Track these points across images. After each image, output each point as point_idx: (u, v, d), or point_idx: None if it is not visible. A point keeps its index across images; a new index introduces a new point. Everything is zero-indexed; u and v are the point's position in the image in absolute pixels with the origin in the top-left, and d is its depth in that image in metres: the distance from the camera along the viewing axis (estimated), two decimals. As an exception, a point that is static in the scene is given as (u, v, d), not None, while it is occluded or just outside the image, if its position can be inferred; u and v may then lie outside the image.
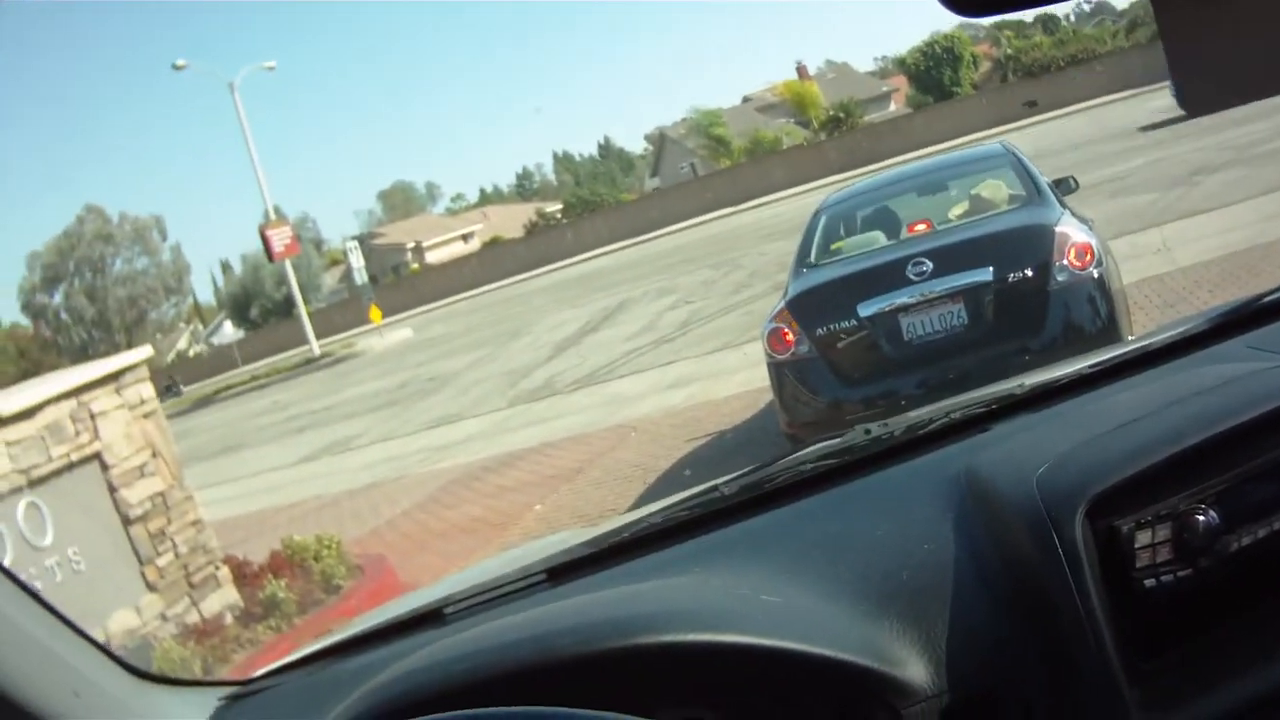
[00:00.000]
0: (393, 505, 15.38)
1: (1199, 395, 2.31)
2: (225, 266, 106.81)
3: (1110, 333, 9.50)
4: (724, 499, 2.76)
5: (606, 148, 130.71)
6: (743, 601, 2.20)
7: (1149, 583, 2.02)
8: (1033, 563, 2.06)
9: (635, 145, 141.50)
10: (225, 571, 10.38)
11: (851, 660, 2.00)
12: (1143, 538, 2.02)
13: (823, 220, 11.97)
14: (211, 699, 2.59)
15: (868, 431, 2.93)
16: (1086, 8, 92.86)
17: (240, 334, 78.88)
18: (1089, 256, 9.60)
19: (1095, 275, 9.58)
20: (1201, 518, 2.02)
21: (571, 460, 14.61)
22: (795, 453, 3.00)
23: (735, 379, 16.04)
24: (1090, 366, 2.93)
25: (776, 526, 2.57)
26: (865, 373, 9.89)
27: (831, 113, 76.37)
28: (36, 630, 2.11)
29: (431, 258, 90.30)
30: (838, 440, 2.97)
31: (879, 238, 11.21)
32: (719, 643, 2.00)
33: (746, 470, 2.92)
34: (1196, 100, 1.75)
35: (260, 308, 79.10)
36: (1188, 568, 2.02)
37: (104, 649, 2.29)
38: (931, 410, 2.97)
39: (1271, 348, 2.68)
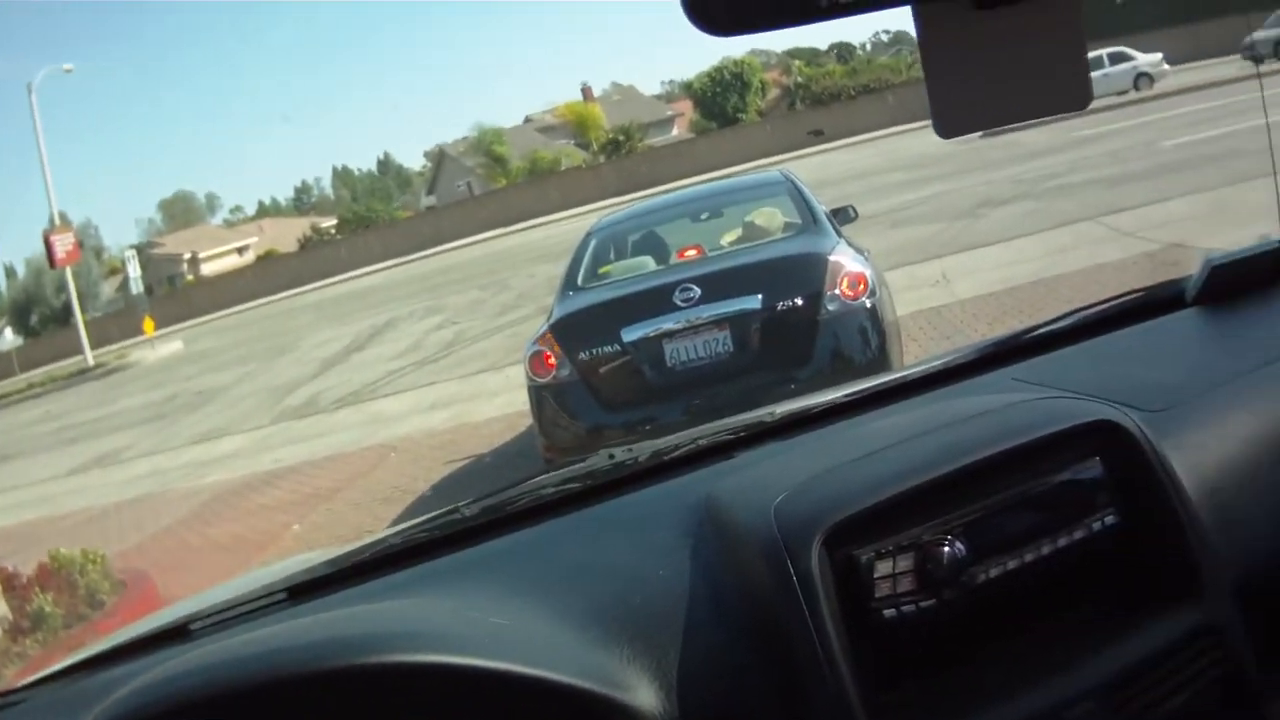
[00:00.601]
0: (157, 520, 15.21)
1: (951, 426, 2.40)
2: (9, 271, 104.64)
3: (880, 363, 9.52)
4: (464, 521, 2.79)
5: (386, 163, 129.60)
6: (470, 623, 2.21)
7: (889, 613, 2.08)
8: (768, 591, 2.09)
9: (415, 162, 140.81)
10: None
11: (578, 685, 2.02)
12: (883, 568, 2.08)
13: (593, 243, 11.99)
14: None
15: (611, 456, 2.97)
16: (885, 38, 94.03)
17: (19, 341, 77.30)
18: (862, 286, 9.63)
19: (867, 305, 9.62)
20: (946, 549, 2.09)
21: (331, 480, 14.62)
22: (538, 476, 3.02)
23: (497, 401, 16.08)
24: (845, 395, 2.99)
25: (514, 550, 2.59)
26: (627, 398, 9.84)
27: (612, 135, 76.92)
28: None
29: (207, 269, 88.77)
30: (581, 465, 3.02)
31: (648, 262, 11.26)
32: (443, 664, 2.00)
33: (488, 493, 2.95)
34: (949, 126, 1.83)
35: (40, 314, 77.21)
36: (930, 598, 2.09)
37: None
38: (679, 436, 2.98)
39: (1036, 380, 2.82)
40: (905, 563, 2.08)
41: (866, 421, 2.79)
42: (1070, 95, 1.83)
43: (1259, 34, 43.33)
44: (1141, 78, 46.96)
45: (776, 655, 2.06)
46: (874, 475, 2.20)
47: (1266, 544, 2.33)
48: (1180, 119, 30.56)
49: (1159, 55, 48.64)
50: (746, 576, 2.16)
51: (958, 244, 20.05)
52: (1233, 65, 39.13)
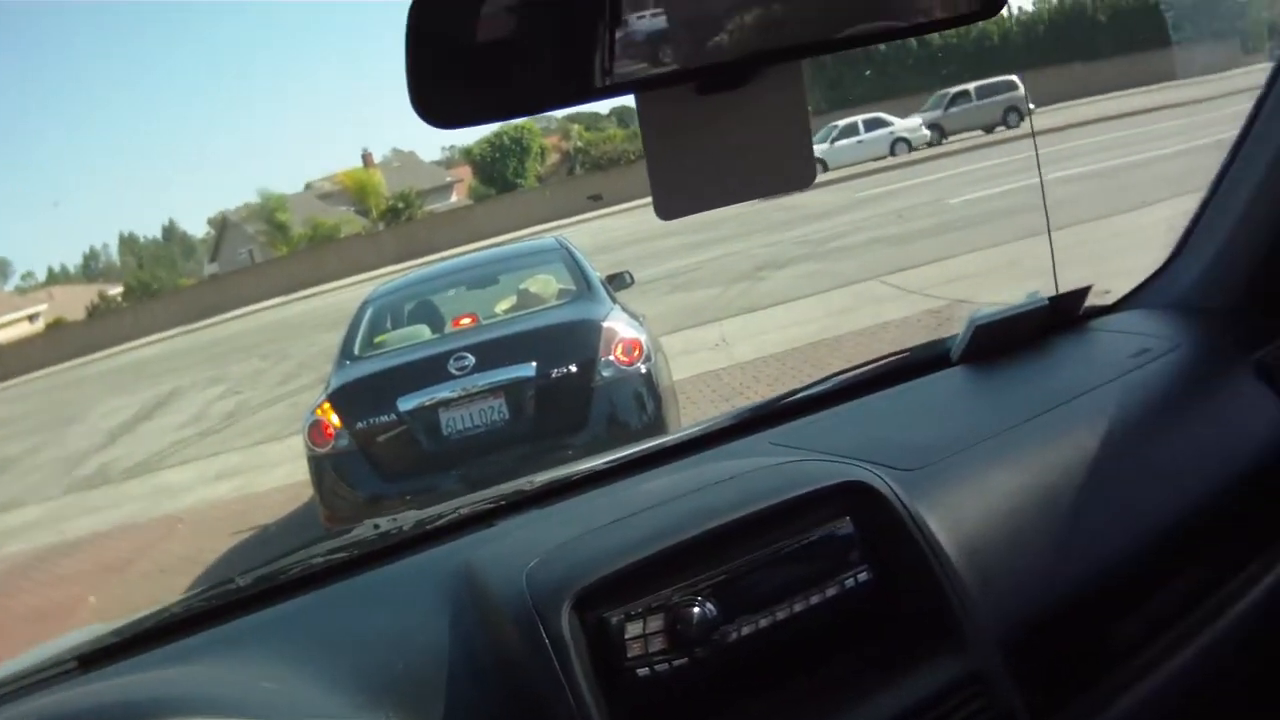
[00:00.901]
0: None
1: (701, 491, 2.47)
2: None
3: (656, 428, 9.62)
4: (239, 590, 2.77)
5: (170, 230, 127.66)
6: (240, 688, 2.21)
7: (642, 672, 2.15)
8: (523, 656, 2.14)
9: (200, 229, 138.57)
10: None
11: None
12: (634, 628, 2.15)
13: (369, 312, 12.04)
14: None
15: (376, 526, 3.00)
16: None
17: None
18: (636, 352, 9.88)
19: (643, 371, 9.87)
20: (696, 609, 2.16)
21: (123, 551, 14.47)
22: (307, 546, 3.00)
23: (279, 472, 16.05)
24: (606, 463, 3.03)
25: (284, 620, 2.58)
26: (405, 467, 9.90)
27: (391, 202, 76.60)
28: None
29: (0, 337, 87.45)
30: (347, 535, 3.05)
31: (423, 331, 11.43)
32: None
33: (263, 563, 2.93)
34: (669, 208, 1.90)
35: None
36: (683, 657, 2.16)
37: None
38: (442, 506, 3.00)
39: (793, 444, 2.89)
40: (656, 623, 2.17)
41: (624, 488, 2.86)
42: (794, 175, 1.96)
43: (928, 115, 44.91)
44: (899, 143, 47.65)
45: (534, 717, 2.12)
46: (623, 540, 2.29)
47: (1031, 595, 2.45)
48: (969, 176, 31.32)
49: (918, 120, 49.23)
50: (503, 641, 2.21)
51: (738, 307, 20.41)
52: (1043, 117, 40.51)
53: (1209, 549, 2.81)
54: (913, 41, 40.70)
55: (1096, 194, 21.43)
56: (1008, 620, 2.37)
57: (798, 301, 19.26)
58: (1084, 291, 3.49)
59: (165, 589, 11.53)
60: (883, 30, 1.85)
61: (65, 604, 12.70)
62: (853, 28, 1.80)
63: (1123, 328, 3.42)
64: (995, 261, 17.66)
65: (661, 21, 1.72)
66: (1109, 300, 3.61)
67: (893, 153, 47.05)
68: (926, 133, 49.01)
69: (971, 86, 49.31)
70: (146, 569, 13.31)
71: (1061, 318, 3.42)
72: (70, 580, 13.98)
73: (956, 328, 3.44)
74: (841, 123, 48.37)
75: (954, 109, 49.66)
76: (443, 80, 1.72)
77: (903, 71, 63.50)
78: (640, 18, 1.72)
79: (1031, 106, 49.33)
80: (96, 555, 15.06)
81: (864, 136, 47.50)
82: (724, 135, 1.89)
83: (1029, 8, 70.91)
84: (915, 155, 45.42)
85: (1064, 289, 3.48)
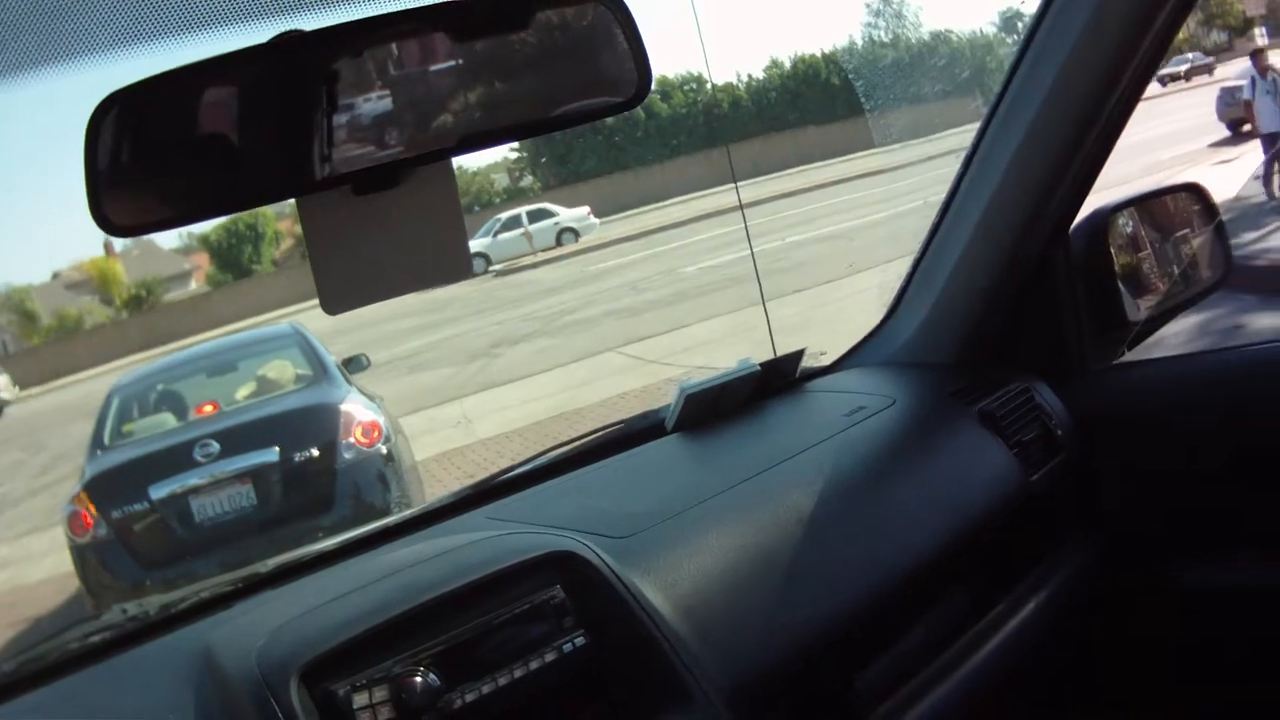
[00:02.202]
0: None
1: (416, 566, 2.50)
2: None
3: (401, 506, 9.74)
4: (4, 677, 2.69)
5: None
6: None
7: None
8: None
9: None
10: None
11: None
12: (360, 699, 2.15)
13: (115, 402, 12.06)
14: None
15: (124, 610, 2.92)
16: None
17: None
18: (376, 433, 10.10)
19: (384, 451, 10.10)
20: (419, 679, 2.18)
21: None
22: (62, 632, 2.91)
23: (45, 563, 15.33)
24: (333, 544, 3.01)
25: (47, 702, 2.53)
26: (163, 554, 9.98)
27: (133, 290, 75.41)
28: None
29: None
30: (98, 620, 2.94)
31: (169, 419, 11.64)
32: None
33: (25, 648, 2.85)
34: (335, 302, 1.96)
35: None
36: None
37: None
38: (185, 591, 2.96)
39: (509, 517, 2.92)
40: (381, 693, 2.17)
41: (351, 566, 2.85)
42: (450, 266, 2.03)
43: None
44: (565, 233, 47.53)
45: None
46: (345, 615, 2.31)
47: (758, 649, 2.48)
48: (707, 243, 31.37)
49: (585, 209, 49.26)
50: (241, 717, 2.19)
51: (476, 384, 20.48)
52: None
53: (952, 592, 2.99)
54: (640, 112, 40.16)
55: (835, 255, 22.16)
56: (736, 675, 2.40)
57: (536, 376, 19.46)
58: (798, 355, 3.63)
59: None
60: (528, 124, 2.01)
61: None
62: (497, 123, 1.94)
63: (838, 387, 3.58)
64: (733, 325, 17.97)
65: (317, 129, 1.84)
66: (826, 361, 3.78)
67: (559, 243, 46.52)
68: (595, 221, 48.78)
69: (523, 211, 48.62)
70: None
71: (778, 380, 3.56)
72: None
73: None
74: (505, 215, 47.94)
75: (504, 235, 47.40)
76: (121, 188, 1.80)
77: (630, 144, 63.74)
78: (298, 127, 1.86)
79: (738, 182, 48.46)
80: None
81: (530, 228, 46.61)
82: (382, 232, 1.99)
83: (759, 75, 71.16)
84: (580, 244, 45.49)
85: (792, 349, 3.62)
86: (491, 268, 41.33)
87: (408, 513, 3.17)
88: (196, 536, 9.99)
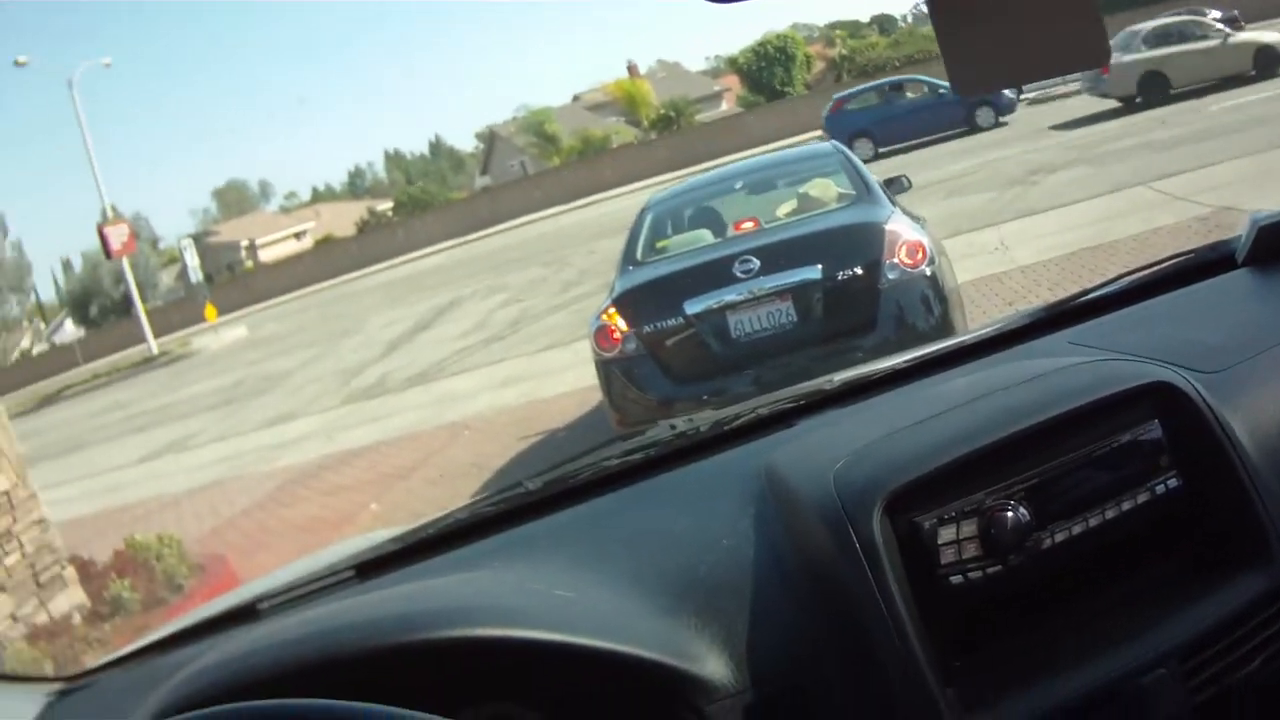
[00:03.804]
0: (231, 504, 15.22)
1: (1009, 390, 2.37)
2: (66, 265, 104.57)
3: (943, 331, 9.38)
4: (528, 495, 2.77)
5: (437, 146, 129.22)
6: (534, 597, 2.22)
7: (956, 579, 2.06)
8: (831, 559, 2.07)
9: (466, 143, 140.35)
10: (71, 571, 10.27)
11: (646, 656, 2.03)
12: (946, 534, 2.06)
13: (649, 218, 11.92)
14: (40, 695, 2.62)
15: (673, 427, 2.95)
16: (924, 9, 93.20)
17: (81, 332, 76.95)
18: (920, 254, 9.57)
19: (927, 273, 9.57)
20: (1010, 514, 2.07)
21: (406, 459, 14.57)
22: (601, 448, 2.99)
23: (566, 377, 15.95)
24: (904, 362, 2.92)
25: (578, 522, 2.58)
26: (693, 370, 9.75)
27: (662, 111, 76.03)
28: None
29: (265, 256, 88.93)
30: (643, 436, 3.00)
31: (705, 235, 11.16)
32: (507, 638, 2.03)
33: (553, 466, 2.95)
34: (965, 84, 1.86)
35: (100, 306, 76.76)
36: (997, 564, 2.07)
37: None
38: (740, 407, 2.94)
39: (1093, 343, 2.76)
40: (969, 528, 2.06)
41: (924, 387, 2.75)
42: (1087, 51, 1.85)
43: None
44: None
45: (845, 623, 2.05)
46: (933, 440, 2.19)
47: None
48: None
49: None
50: (809, 545, 2.15)
51: (1014, 211, 19.81)
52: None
53: None
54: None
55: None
56: None
57: (1071, 206, 18.61)
58: None
59: (451, 495, 11.58)
60: None
61: (346, 512, 12.80)
62: None
63: None
64: (1255, 169, 17.15)
65: None
66: None
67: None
68: None
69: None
70: (431, 475, 13.34)
71: None
72: (351, 489, 14.03)
73: (1226, 234, 3.25)
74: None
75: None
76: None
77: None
78: None
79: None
80: (378, 463, 15.10)
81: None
82: (1015, 10, 1.80)
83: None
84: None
85: None
86: (1024, 96, 39.32)
87: (979, 333, 3.06)
88: (730, 353, 9.64)
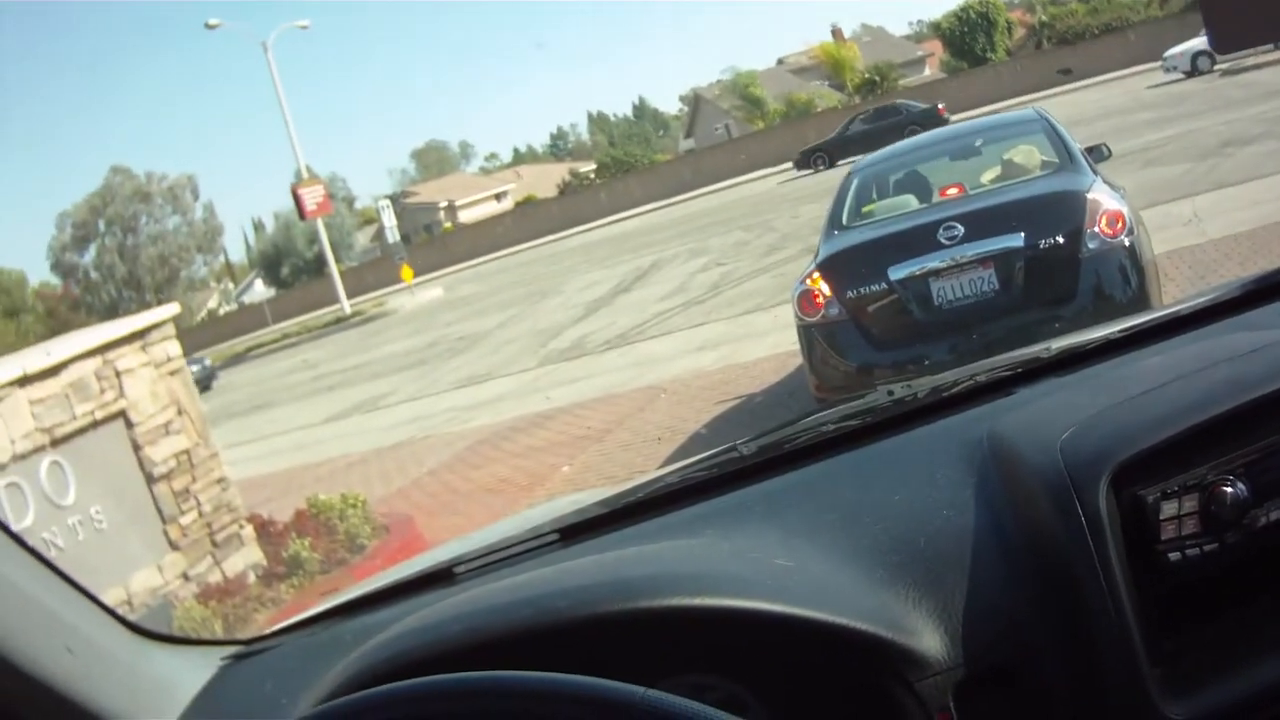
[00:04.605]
0: (420, 465, 15.33)
1: (1231, 361, 2.22)
2: (257, 225, 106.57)
3: (1140, 302, 9.34)
4: (741, 460, 2.69)
5: (641, 108, 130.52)
6: (752, 566, 2.15)
7: (1174, 556, 1.95)
8: (1054, 531, 1.99)
9: (670, 106, 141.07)
10: (249, 530, 10.38)
11: (863, 629, 1.95)
12: (1168, 509, 1.95)
13: (855, 183, 11.80)
14: (215, 658, 2.55)
15: (890, 393, 2.86)
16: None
17: (271, 292, 78.49)
18: (1120, 224, 9.45)
19: (1126, 244, 9.44)
20: (1230, 489, 1.95)
21: (600, 421, 14.52)
22: (816, 413, 2.92)
23: (766, 341, 15.84)
24: (1120, 330, 2.82)
25: (793, 489, 2.48)
26: (895, 337, 9.77)
27: (866, 76, 75.81)
28: (31, 587, 2.08)
29: (464, 217, 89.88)
30: (860, 401, 2.91)
31: (911, 201, 11.06)
32: (725, 608, 1.96)
33: (766, 430, 2.86)
34: (1226, 40, 1.84)
35: (291, 266, 78.70)
36: (1214, 542, 1.95)
37: (105, 608, 2.27)
38: (957, 373, 2.89)
39: None
40: (1190, 503, 1.95)
41: (1143, 357, 2.63)
42: None
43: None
44: None
45: (1061, 599, 1.97)
46: (1159, 411, 2.07)
47: None
48: None
49: None
50: (1032, 516, 2.06)
51: (1207, 183, 19.34)
52: None
53: None
54: None
55: None
56: None
57: (1265, 179, 17.87)
58: None
59: (645, 458, 11.73)
60: None
61: (537, 474, 12.77)
62: None
63: None
64: None
65: None
66: None
67: None
68: None
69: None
70: (626, 439, 13.25)
71: None
72: (543, 450, 13.98)
73: None
74: None
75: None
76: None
77: None
78: None
79: None
80: (572, 425, 15.04)
81: None
82: None
83: None
84: None
85: None
86: (1216, 66, 39.26)
87: (1195, 303, 2.85)
88: (932, 319, 9.64)
